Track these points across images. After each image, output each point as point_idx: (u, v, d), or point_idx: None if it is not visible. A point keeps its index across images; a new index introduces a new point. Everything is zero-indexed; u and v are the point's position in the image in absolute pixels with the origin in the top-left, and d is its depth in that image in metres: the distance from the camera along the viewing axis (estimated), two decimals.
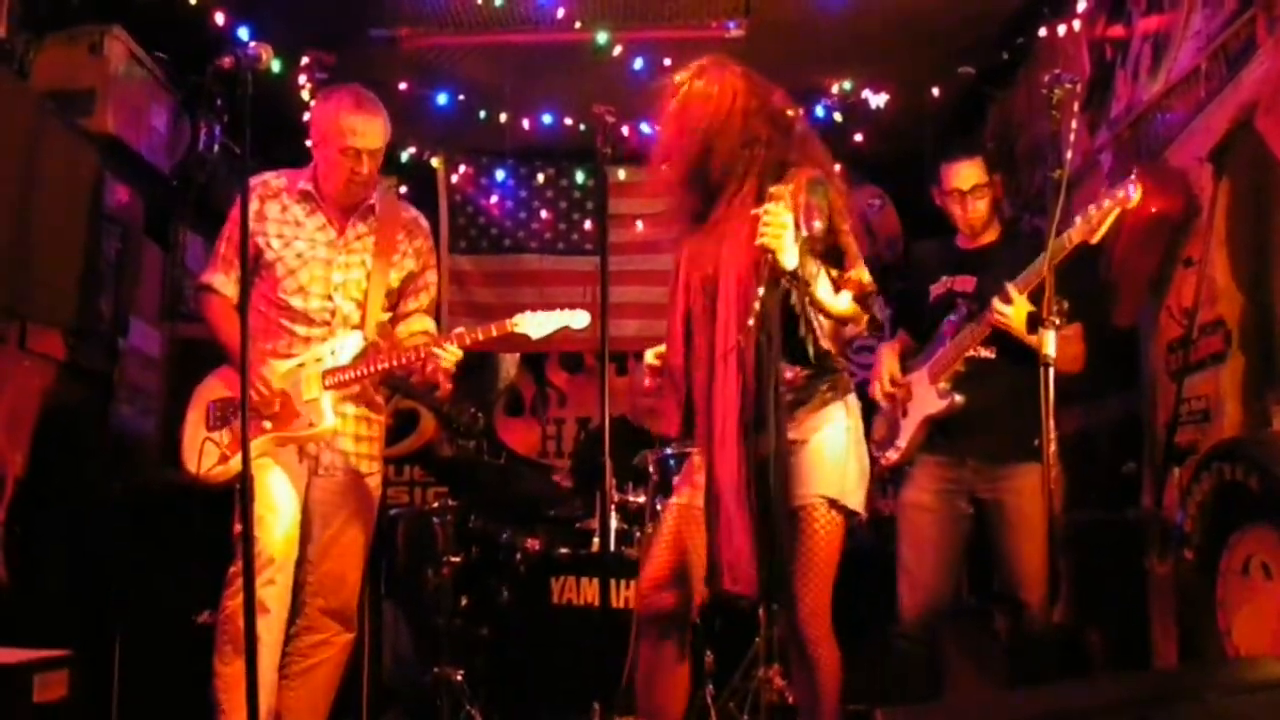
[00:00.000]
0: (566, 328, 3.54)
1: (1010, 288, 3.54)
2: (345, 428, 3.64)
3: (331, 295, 3.63)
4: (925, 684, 3.83)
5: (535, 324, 3.50)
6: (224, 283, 3.63)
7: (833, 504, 2.98)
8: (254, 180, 3.67)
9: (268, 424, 3.51)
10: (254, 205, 3.59)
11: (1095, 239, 3.35)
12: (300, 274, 3.60)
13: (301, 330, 3.61)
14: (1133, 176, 3.34)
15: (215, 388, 3.63)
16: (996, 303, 3.57)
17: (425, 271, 3.82)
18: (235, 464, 3.41)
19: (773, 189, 2.82)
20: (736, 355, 2.90)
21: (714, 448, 2.94)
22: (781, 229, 2.75)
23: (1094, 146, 4.59)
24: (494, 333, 3.50)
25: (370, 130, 3.57)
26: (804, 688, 3.06)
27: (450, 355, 3.48)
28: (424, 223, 3.87)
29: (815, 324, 2.99)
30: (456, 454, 5.47)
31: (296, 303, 3.60)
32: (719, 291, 2.98)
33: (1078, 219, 3.36)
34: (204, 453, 3.51)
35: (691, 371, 3.07)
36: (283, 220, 3.63)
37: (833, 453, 3.02)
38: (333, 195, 3.66)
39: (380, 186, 3.77)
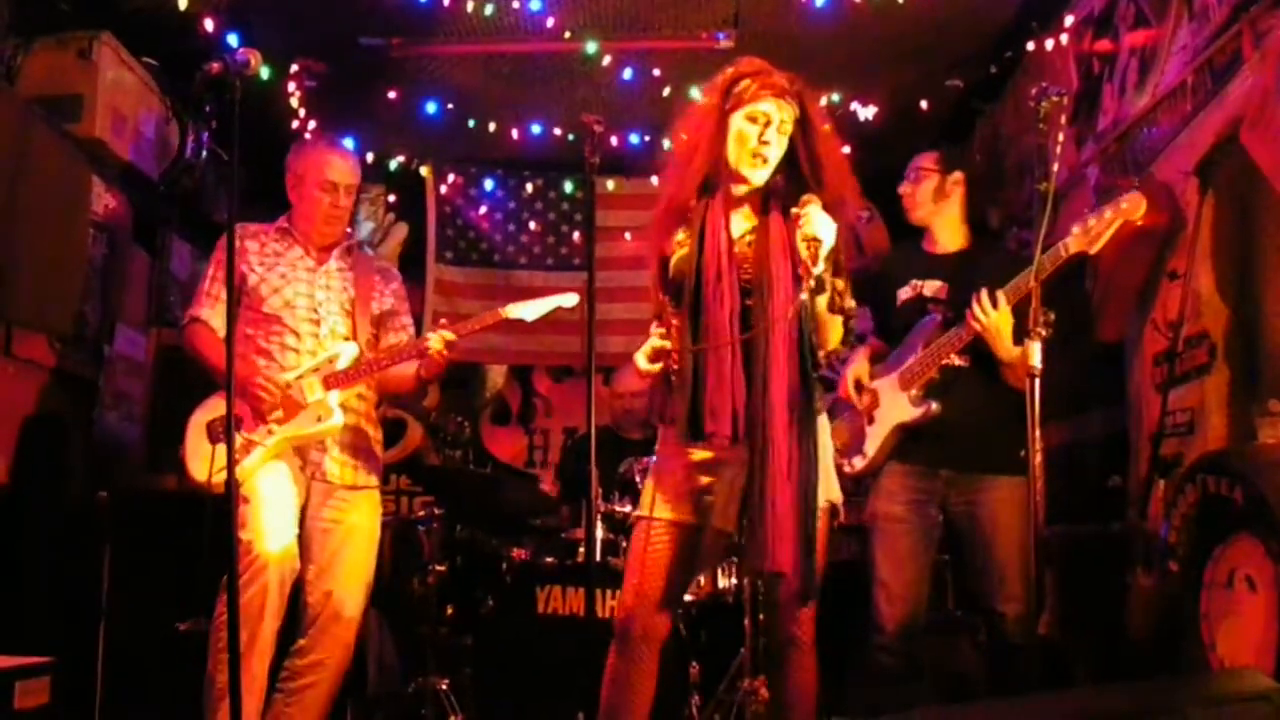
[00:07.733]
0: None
1: (1000, 294, 3.54)
2: (345, 439, 3.72)
3: (316, 309, 3.75)
4: (906, 695, 3.81)
5: (528, 308, 3.67)
6: (211, 315, 3.75)
7: (834, 510, 3.04)
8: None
9: (275, 426, 3.57)
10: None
11: (1094, 249, 3.35)
12: (284, 291, 3.75)
13: (291, 341, 3.69)
14: (1136, 186, 3.33)
15: (213, 408, 3.64)
16: (975, 308, 3.57)
17: (401, 314, 3.99)
18: (245, 466, 3.50)
19: (805, 196, 2.87)
20: (785, 350, 2.93)
21: (768, 441, 2.90)
22: (824, 223, 2.78)
23: (1081, 160, 4.60)
24: (488, 321, 3.68)
25: (346, 167, 3.86)
26: (792, 694, 3.05)
27: (437, 341, 3.60)
28: (395, 270, 4.13)
29: (815, 337, 3.00)
30: (443, 463, 5.45)
31: (285, 316, 3.71)
32: (771, 294, 2.96)
33: (1075, 229, 3.34)
34: (214, 458, 3.46)
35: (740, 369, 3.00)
36: (262, 253, 3.81)
37: (830, 460, 3.07)
38: (309, 232, 3.86)
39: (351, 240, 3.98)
